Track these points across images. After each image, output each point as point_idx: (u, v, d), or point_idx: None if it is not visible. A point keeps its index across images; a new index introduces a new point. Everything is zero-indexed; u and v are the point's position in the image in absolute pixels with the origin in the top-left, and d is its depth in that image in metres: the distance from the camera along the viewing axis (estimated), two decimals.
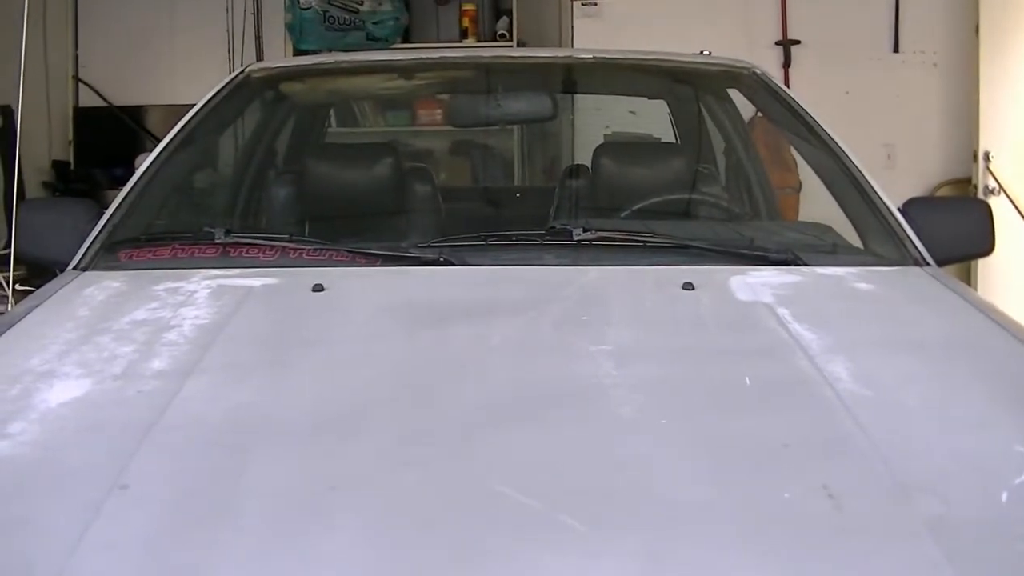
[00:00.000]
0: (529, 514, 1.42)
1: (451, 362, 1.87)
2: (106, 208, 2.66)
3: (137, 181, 2.70)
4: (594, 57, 3.28)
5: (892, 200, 2.66)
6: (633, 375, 1.83)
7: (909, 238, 2.55)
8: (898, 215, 2.61)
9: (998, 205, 6.13)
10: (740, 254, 2.39)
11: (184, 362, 1.86)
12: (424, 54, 3.32)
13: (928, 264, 2.48)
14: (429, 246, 2.40)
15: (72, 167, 7.57)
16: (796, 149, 3.21)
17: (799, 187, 7.01)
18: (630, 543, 1.38)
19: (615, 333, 2.00)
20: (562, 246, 2.39)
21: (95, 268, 2.43)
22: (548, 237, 2.43)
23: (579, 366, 1.86)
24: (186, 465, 1.56)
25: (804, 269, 2.35)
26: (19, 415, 1.69)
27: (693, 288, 2.17)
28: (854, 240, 2.67)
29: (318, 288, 2.15)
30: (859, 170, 2.79)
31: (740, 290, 2.19)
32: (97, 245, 2.51)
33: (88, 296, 2.22)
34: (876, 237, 2.62)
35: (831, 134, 2.92)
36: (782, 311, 2.07)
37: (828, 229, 2.70)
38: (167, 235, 2.57)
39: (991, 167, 6.22)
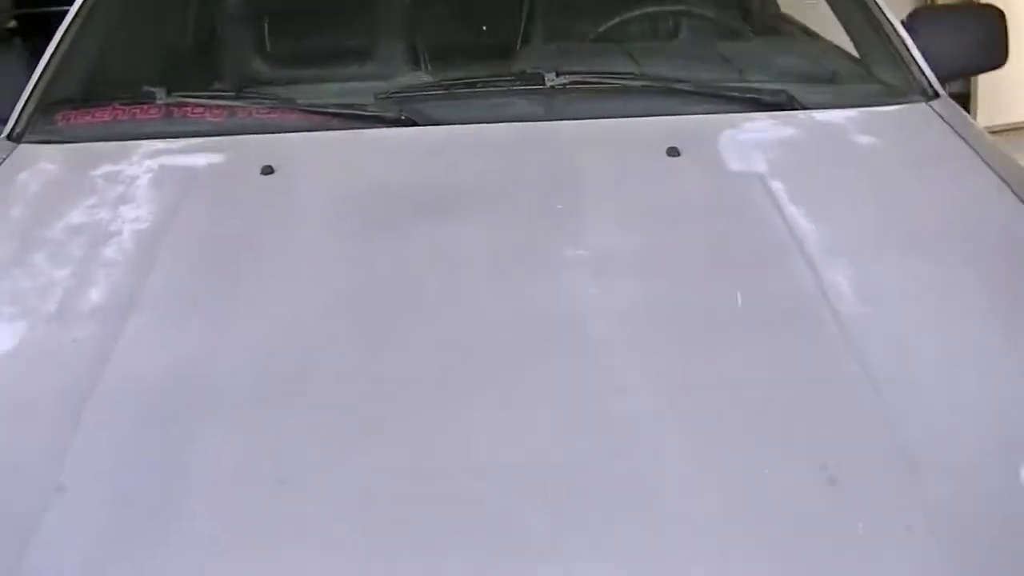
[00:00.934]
0: (493, 512, 1.32)
1: (408, 289, 1.70)
2: (37, 54, 2.45)
3: (71, 22, 2.47)
4: None
5: (895, 10, 2.42)
6: (610, 299, 1.66)
7: (915, 61, 2.33)
8: (902, 32, 2.38)
9: None
10: (730, 97, 2.18)
11: (123, 293, 1.72)
12: None
13: (936, 95, 2.28)
14: (388, 97, 2.19)
15: None
16: None
17: None
18: (603, 548, 1.28)
19: (592, 231, 1.82)
20: (534, 92, 2.19)
21: (31, 135, 2.25)
22: (519, 82, 2.22)
23: (552, 286, 1.69)
24: (125, 454, 1.45)
25: (800, 115, 2.14)
26: None
27: (678, 154, 1.99)
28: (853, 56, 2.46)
29: (267, 170, 1.98)
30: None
31: (730, 155, 1.99)
32: (32, 106, 2.32)
33: (22, 186, 2.06)
34: (879, 59, 2.39)
35: None
36: (775, 185, 1.89)
37: (827, 47, 2.48)
38: (106, 96, 2.36)
39: None
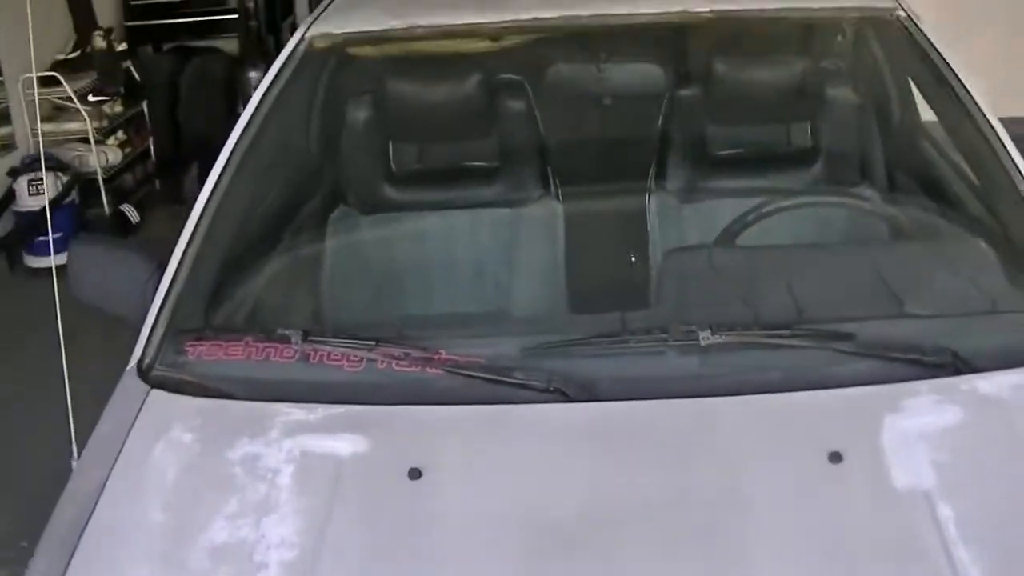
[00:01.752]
0: None
1: None
2: (164, 259, 2.35)
3: (194, 232, 2.36)
4: (711, 11, 2.70)
5: None
6: None
7: None
8: None
9: None
10: (894, 359, 2.02)
11: None
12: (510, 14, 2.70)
13: None
14: (534, 353, 2.06)
15: None
16: (947, 133, 2.70)
17: None
18: None
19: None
20: (687, 350, 2.05)
21: (161, 367, 2.15)
22: (671, 339, 2.07)
23: None
24: None
25: (964, 387, 1.97)
26: None
27: (840, 460, 1.84)
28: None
29: (415, 474, 1.87)
30: (1014, 162, 2.33)
31: (895, 460, 1.84)
32: (160, 332, 2.22)
33: (160, 465, 1.96)
34: None
35: (986, 108, 2.43)
36: (943, 512, 1.74)
37: (984, 259, 2.31)
38: (238, 326, 2.26)
39: None
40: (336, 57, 2.86)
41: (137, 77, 6.81)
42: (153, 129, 6.96)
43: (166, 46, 7.42)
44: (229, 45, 7.22)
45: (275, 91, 2.59)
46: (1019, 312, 2.18)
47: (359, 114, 3.05)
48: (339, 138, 3.06)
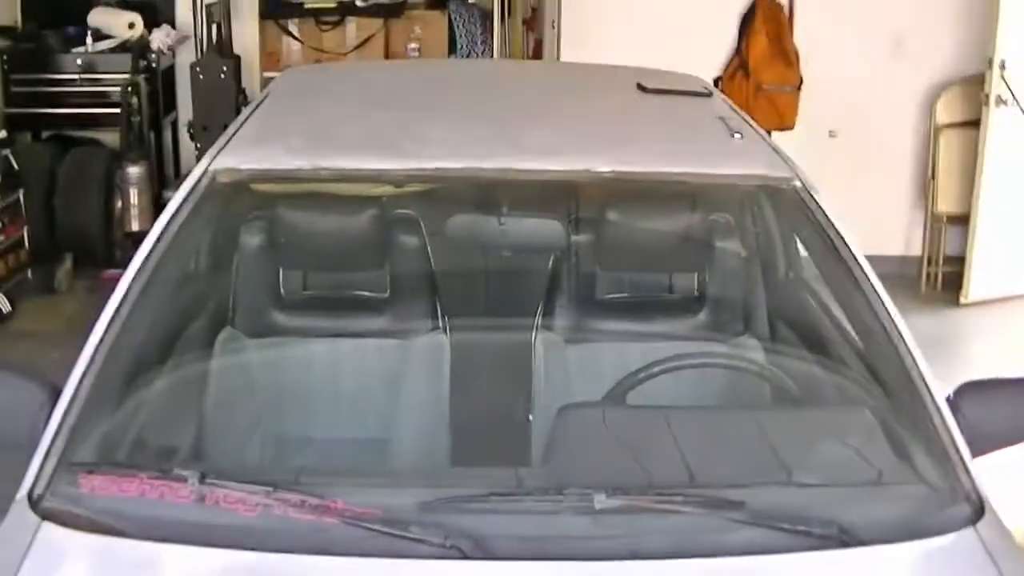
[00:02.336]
0: None
1: None
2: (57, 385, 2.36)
3: (91, 359, 2.37)
4: (613, 172, 2.82)
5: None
6: None
7: (963, 464, 2.24)
8: (949, 420, 2.31)
9: (1007, 116, 5.83)
10: (784, 530, 2.11)
11: None
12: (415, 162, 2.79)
13: (982, 509, 2.20)
14: (430, 507, 2.12)
15: (20, 28, 7.09)
16: (834, 297, 2.84)
17: (799, 84, 6.65)
18: None
19: None
20: (581, 512, 2.12)
21: (52, 499, 2.15)
22: (566, 500, 2.15)
23: None
24: None
25: (850, 557, 2.08)
26: None
27: None
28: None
29: None
30: (908, 347, 2.44)
31: None
32: (52, 464, 2.22)
33: None
34: (923, 452, 2.31)
35: (878, 288, 2.56)
36: None
37: (869, 427, 2.43)
38: (133, 462, 2.28)
39: (1005, 76, 5.85)
40: (238, 191, 2.90)
41: (15, 165, 6.72)
42: (28, 218, 6.87)
43: (45, 135, 7.35)
44: (110, 137, 7.18)
45: (175, 225, 2.62)
46: (903, 484, 2.27)
47: (252, 239, 3.10)
48: (231, 262, 3.10)
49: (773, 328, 3.09)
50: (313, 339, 3.07)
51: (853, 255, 2.62)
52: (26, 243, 6.91)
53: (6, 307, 6.38)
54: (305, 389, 3.01)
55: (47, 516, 2.12)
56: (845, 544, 2.08)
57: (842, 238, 2.65)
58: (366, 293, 3.18)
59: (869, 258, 2.62)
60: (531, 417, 2.77)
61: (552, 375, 2.89)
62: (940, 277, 6.66)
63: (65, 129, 7.30)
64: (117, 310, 2.44)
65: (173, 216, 2.63)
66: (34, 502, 2.16)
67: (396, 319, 3.07)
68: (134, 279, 2.51)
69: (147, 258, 2.54)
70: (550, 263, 3.12)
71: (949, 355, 5.39)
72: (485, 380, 2.90)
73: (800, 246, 3.16)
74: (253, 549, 2.02)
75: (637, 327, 3.04)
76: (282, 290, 3.18)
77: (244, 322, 3.09)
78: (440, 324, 3.01)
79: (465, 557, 2.01)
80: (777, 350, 2.99)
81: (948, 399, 2.39)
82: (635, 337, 2.91)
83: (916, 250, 6.86)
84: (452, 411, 2.79)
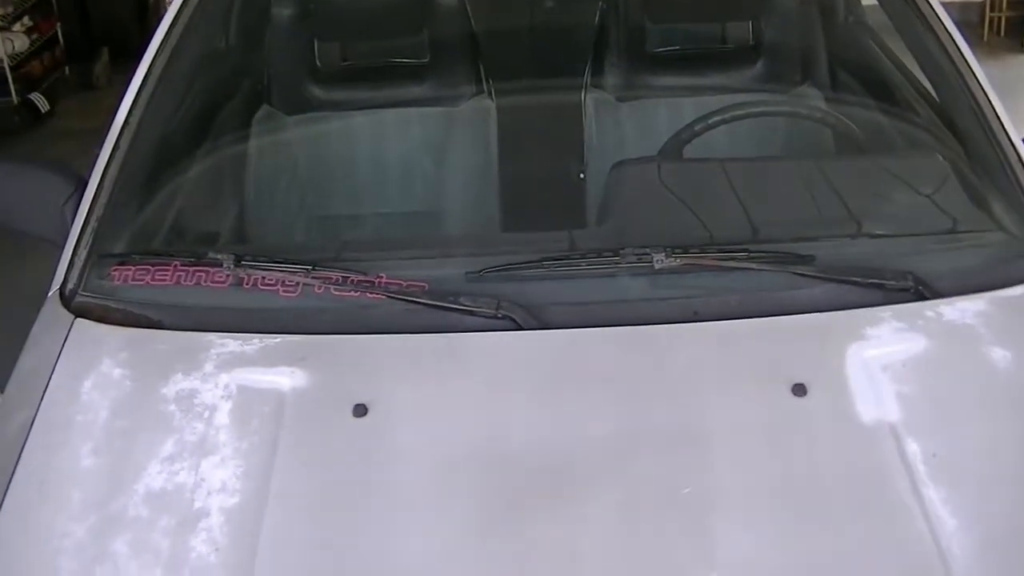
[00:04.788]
0: None
1: None
2: (83, 176, 2.21)
3: (115, 146, 2.21)
4: None
5: None
6: None
7: None
8: None
9: None
10: (853, 283, 1.96)
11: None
12: None
13: None
14: (480, 277, 1.97)
15: None
16: (902, 38, 2.58)
17: None
18: None
19: (722, 530, 1.61)
20: (640, 274, 1.97)
21: (85, 294, 2.03)
22: (623, 262, 1.99)
23: None
24: None
25: (929, 312, 1.92)
26: None
27: (804, 393, 1.78)
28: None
29: (360, 411, 1.78)
30: (983, 89, 2.23)
31: (859, 392, 1.79)
32: (82, 257, 2.09)
33: (92, 402, 1.85)
34: (1000, 199, 2.12)
35: (950, 28, 2.32)
36: (911, 448, 1.70)
37: (941, 173, 2.23)
38: (165, 249, 2.15)
39: None
40: None
41: None
42: (61, 14, 6.68)
43: None
44: None
45: None
46: (981, 232, 2.11)
47: (283, 10, 2.91)
48: (262, 37, 2.91)
49: (834, 76, 2.87)
50: (353, 112, 2.89)
51: None
52: (60, 40, 6.74)
53: (45, 106, 6.27)
54: (347, 164, 2.86)
55: (80, 312, 2.00)
56: (921, 296, 1.93)
57: None
58: (405, 60, 2.97)
59: None
60: (584, 178, 2.59)
61: (604, 134, 2.70)
62: (1003, 22, 6.30)
63: None
64: (139, 90, 2.27)
65: None
66: (66, 298, 2.04)
67: (438, 85, 2.88)
68: (156, 56, 2.33)
69: (169, 31, 2.35)
70: (596, 17, 2.90)
71: (1015, 104, 5.11)
72: (534, 144, 2.72)
73: None
74: (294, 332, 1.89)
75: (691, 81, 2.84)
76: (318, 62, 2.99)
77: (280, 99, 2.92)
78: (484, 88, 2.81)
79: (518, 327, 1.88)
80: (840, 99, 2.78)
81: None
82: (689, 91, 2.71)
83: None
84: (501, 178, 2.63)
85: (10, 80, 6.11)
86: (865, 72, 2.79)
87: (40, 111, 6.22)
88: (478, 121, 2.75)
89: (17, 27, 6.35)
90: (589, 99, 2.74)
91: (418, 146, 2.82)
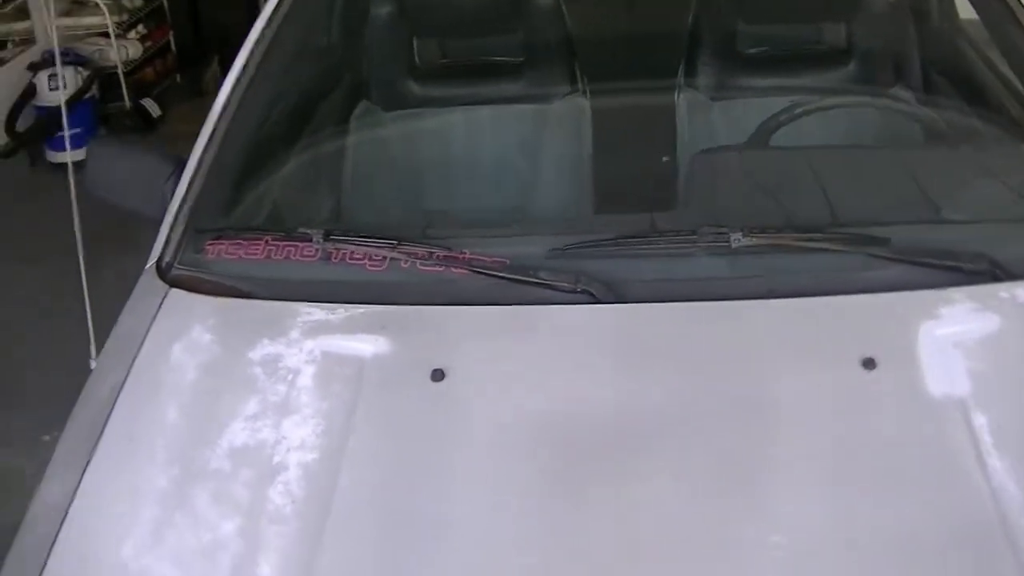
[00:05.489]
0: None
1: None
2: (183, 157, 2.31)
3: (214, 129, 2.31)
4: None
5: None
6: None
7: None
8: None
9: None
10: (928, 265, 1.97)
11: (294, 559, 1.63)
12: None
13: None
14: (561, 254, 2.01)
15: None
16: (994, 42, 2.57)
17: None
18: None
19: (784, 503, 1.62)
20: (717, 252, 2.00)
21: (180, 267, 2.12)
22: (700, 240, 2.02)
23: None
24: None
25: (1003, 293, 1.91)
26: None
27: (874, 366, 1.80)
28: None
29: (437, 376, 1.84)
30: None
31: (929, 368, 1.81)
32: (179, 232, 2.18)
33: (182, 364, 1.94)
34: None
35: None
36: (978, 421, 1.70)
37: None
38: (258, 225, 2.23)
39: None
40: None
41: None
42: (173, 22, 6.87)
43: None
44: None
45: None
46: None
47: (383, 9, 2.98)
48: (362, 33, 2.99)
49: (927, 79, 2.86)
50: (450, 108, 2.95)
51: None
52: (172, 47, 6.93)
53: (156, 111, 6.45)
54: (443, 160, 2.92)
55: (175, 283, 2.09)
56: (995, 278, 1.92)
57: None
58: (502, 58, 3.03)
59: None
60: (670, 162, 2.62)
61: (696, 134, 2.73)
62: None
63: None
64: (237, 80, 2.36)
65: None
66: (162, 270, 2.13)
67: (534, 83, 2.93)
68: (254, 48, 2.42)
69: (267, 24, 2.44)
70: (690, 19, 2.93)
71: None
72: (628, 141, 2.75)
73: None
74: (379, 303, 1.95)
75: (783, 82, 2.85)
76: (416, 60, 3.06)
77: (379, 95, 2.99)
78: (579, 86, 2.85)
79: (596, 301, 1.92)
80: (931, 100, 2.77)
81: None
82: (782, 92, 2.72)
83: None
84: (595, 174, 2.67)
85: (124, 86, 6.30)
86: (958, 76, 2.78)
87: (151, 116, 6.40)
88: (572, 119, 2.79)
89: (132, 35, 6.54)
90: (682, 98, 2.77)
91: (513, 143, 2.87)
